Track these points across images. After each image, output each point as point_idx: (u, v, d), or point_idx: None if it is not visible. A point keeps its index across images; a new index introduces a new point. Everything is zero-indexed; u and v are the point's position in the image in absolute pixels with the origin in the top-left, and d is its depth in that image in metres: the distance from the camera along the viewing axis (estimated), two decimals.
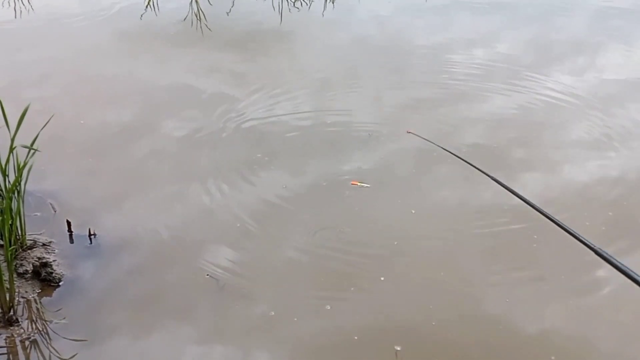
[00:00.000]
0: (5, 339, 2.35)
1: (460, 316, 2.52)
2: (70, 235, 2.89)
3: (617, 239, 2.84)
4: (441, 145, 2.52)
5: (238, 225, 3.00)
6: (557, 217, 1.53)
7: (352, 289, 2.63)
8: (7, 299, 2.41)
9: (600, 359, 2.39)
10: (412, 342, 2.39)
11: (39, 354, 2.32)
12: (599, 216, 3.00)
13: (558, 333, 2.46)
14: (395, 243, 2.88)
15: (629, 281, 1.26)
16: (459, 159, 2.18)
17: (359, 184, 3.21)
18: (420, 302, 2.57)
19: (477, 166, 1.98)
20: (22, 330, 2.40)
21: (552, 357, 2.35)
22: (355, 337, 2.40)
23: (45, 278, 2.64)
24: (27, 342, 2.36)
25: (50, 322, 2.44)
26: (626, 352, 2.42)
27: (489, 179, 1.82)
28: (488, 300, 2.59)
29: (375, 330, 2.44)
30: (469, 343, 2.40)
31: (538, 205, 1.61)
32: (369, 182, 3.25)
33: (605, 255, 1.34)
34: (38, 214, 3.00)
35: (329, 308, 2.52)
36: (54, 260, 2.70)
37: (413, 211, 3.07)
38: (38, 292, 2.59)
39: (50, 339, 2.37)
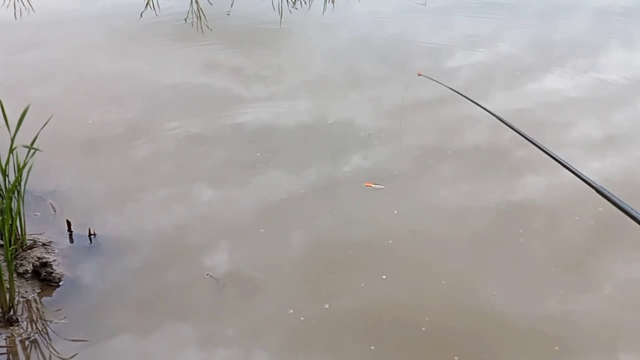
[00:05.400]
0: (5, 339, 2.35)
1: (460, 312, 2.52)
2: (70, 235, 2.89)
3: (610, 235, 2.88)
4: (451, 87, 2.58)
5: (238, 224, 3.00)
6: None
7: (362, 284, 2.63)
8: (7, 299, 2.41)
9: (599, 349, 2.41)
10: (416, 342, 2.40)
11: (39, 354, 2.32)
12: (593, 213, 3.01)
13: (556, 324, 2.48)
14: (390, 242, 2.89)
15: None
16: (469, 100, 2.32)
17: (373, 185, 3.21)
18: (417, 300, 2.58)
19: (484, 107, 2.17)
20: (22, 330, 2.40)
21: (556, 348, 2.36)
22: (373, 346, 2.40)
23: (45, 278, 2.64)
24: (27, 342, 2.36)
25: (50, 322, 2.44)
26: (623, 341, 2.44)
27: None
28: (485, 296, 2.59)
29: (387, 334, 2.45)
30: (471, 339, 2.41)
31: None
32: (366, 181, 3.26)
33: (606, 193, 1.36)
34: (38, 214, 3.00)
35: (327, 307, 2.52)
36: (54, 260, 2.70)
37: (395, 212, 3.07)
38: (38, 292, 2.59)
39: (50, 339, 2.37)
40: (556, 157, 1.60)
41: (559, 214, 3.07)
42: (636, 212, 1.25)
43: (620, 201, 1.30)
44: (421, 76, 2.93)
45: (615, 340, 2.44)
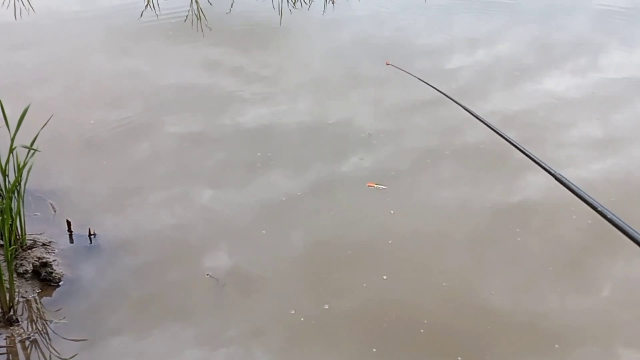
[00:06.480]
0: (5, 339, 2.35)
1: (461, 313, 2.53)
2: (70, 235, 2.89)
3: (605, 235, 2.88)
4: (418, 77, 2.60)
5: (238, 224, 3.00)
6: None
7: (364, 285, 2.63)
8: (7, 299, 2.41)
9: (599, 346, 2.42)
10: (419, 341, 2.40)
11: (39, 354, 2.32)
12: (591, 212, 3.02)
13: (556, 323, 2.49)
14: (390, 242, 2.89)
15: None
16: (440, 93, 2.37)
17: (375, 185, 3.21)
18: (418, 300, 2.58)
19: (453, 98, 2.21)
20: (22, 330, 2.40)
21: (556, 345, 2.37)
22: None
23: (45, 278, 2.64)
24: (27, 342, 2.36)
25: (50, 322, 2.44)
26: (622, 338, 2.45)
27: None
28: (485, 295, 2.59)
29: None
30: (473, 338, 2.41)
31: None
32: (368, 181, 3.26)
33: (565, 181, 1.43)
34: (38, 214, 3.00)
35: (327, 307, 2.53)
36: (54, 260, 2.70)
37: (392, 212, 3.07)
38: (38, 292, 2.59)
39: (50, 339, 2.37)
40: (507, 137, 1.65)
41: (557, 213, 3.07)
42: (592, 198, 1.34)
43: (578, 188, 1.36)
44: (389, 65, 2.95)
45: (614, 337, 2.45)
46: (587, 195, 1.33)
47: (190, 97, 4.22)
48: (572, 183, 1.40)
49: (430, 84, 2.42)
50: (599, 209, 1.29)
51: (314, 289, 2.64)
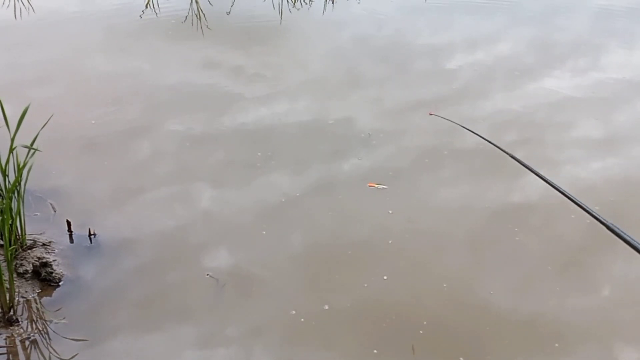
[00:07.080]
0: (5, 339, 2.35)
1: (461, 313, 2.53)
2: (70, 235, 2.89)
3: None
4: (464, 126, 2.51)
5: (238, 224, 3.00)
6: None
7: (364, 285, 2.63)
8: (7, 299, 2.41)
9: (599, 345, 2.42)
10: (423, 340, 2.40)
11: (39, 354, 2.32)
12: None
13: (555, 322, 2.49)
14: (390, 242, 2.89)
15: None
16: (482, 139, 2.27)
17: (376, 185, 3.21)
18: (418, 301, 2.58)
19: (500, 146, 2.11)
20: (22, 330, 2.40)
21: (556, 345, 2.37)
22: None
23: (45, 278, 2.64)
24: (27, 342, 2.36)
25: (50, 322, 2.44)
26: (621, 337, 2.46)
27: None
28: (485, 295, 2.59)
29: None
30: (474, 338, 2.41)
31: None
32: (369, 181, 3.26)
33: (617, 230, 1.34)
34: (38, 214, 3.00)
35: (326, 308, 2.53)
36: (54, 260, 2.70)
37: (390, 211, 3.07)
38: (38, 292, 2.59)
39: (50, 339, 2.37)
40: (564, 191, 1.61)
41: (556, 213, 3.07)
42: None
43: (626, 234, 1.30)
44: (432, 115, 2.93)
45: (614, 336, 2.45)
46: (637, 242, 1.28)
47: (190, 96, 4.22)
48: (618, 228, 1.34)
49: (475, 132, 2.38)
50: None
51: (314, 289, 2.64)
